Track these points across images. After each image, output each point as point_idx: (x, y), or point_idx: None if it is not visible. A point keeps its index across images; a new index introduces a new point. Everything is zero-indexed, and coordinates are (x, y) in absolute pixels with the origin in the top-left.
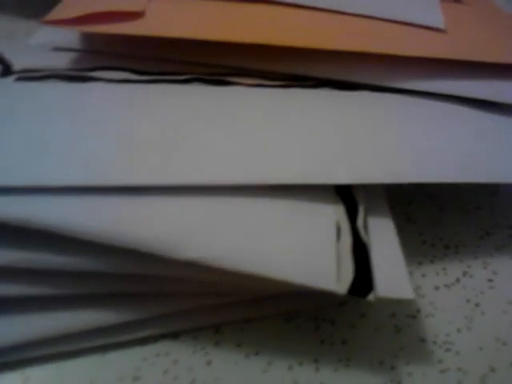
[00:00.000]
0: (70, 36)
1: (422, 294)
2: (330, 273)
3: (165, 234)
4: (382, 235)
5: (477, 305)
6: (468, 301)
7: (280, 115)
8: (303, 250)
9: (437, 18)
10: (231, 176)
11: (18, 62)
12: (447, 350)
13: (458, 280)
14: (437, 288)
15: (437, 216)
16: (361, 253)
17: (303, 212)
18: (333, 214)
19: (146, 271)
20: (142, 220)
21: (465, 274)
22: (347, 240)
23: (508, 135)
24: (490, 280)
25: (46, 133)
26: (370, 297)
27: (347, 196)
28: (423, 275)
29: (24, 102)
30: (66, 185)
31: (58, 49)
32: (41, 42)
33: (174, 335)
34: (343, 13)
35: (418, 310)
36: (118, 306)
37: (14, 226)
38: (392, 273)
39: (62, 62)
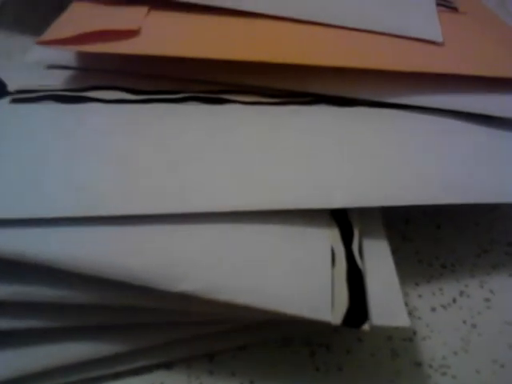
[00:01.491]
0: (65, 54)
1: (418, 316)
2: (325, 303)
3: (157, 267)
4: (378, 259)
5: (473, 326)
6: (464, 322)
7: (277, 136)
8: (297, 279)
9: (435, 31)
10: (224, 202)
11: (13, 82)
12: (443, 374)
13: (454, 300)
14: (433, 309)
15: (434, 234)
16: (356, 279)
17: (297, 238)
18: (328, 238)
19: (140, 303)
20: (135, 252)
21: (461, 293)
22: (342, 266)
23: (507, 151)
24: (487, 300)
25: (39, 160)
26: (365, 327)
27: (342, 219)
28: (419, 296)
29: (17, 126)
30: (59, 216)
31: (53, 67)
32: (37, 60)
33: (167, 365)
34: (339, 27)
35: (415, 333)
36: (111, 338)
37: (6, 259)
38: (387, 299)
39: (57, 80)
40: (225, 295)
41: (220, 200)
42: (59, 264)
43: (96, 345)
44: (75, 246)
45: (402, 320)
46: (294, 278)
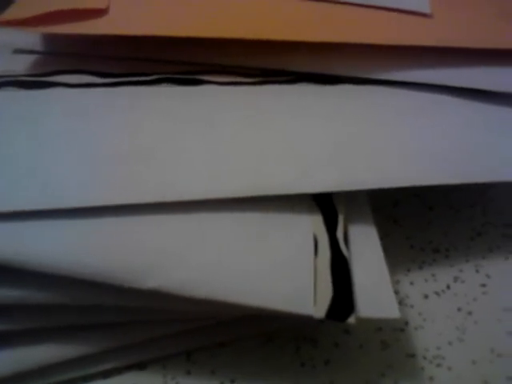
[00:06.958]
0: (29, 37)
1: (410, 304)
2: (307, 296)
3: (124, 262)
4: (365, 246)
5: (469, 313)
6: (459, 309)
7: (255, 117)
8: (277, 271)
9: (421, 2)
10: (199, 190)
11: None
12: (438, 366)
13: (448, 286)
14: (426, 296)
15: (425, 217)
16: (341, 268)
17: (276, 225)
18: (310, 225)
19: (107, 302)
20: (100, 246)
21: (456, 279)
22: (326, 254)
23: (502, 127)
24: (483, 285)
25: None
26: (351, 320)
27: (325, 203)
28: (411, 283)
29: None
30: (20, 209)
31: (17, 51)
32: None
33: (140, 365)
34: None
35: (407, 323)
36: (76, 339)
37: None
38: (375, 289)
39: (19, 65)
40: (199, 291)
41: (194, 187)
42: (16, 262)
43: (60, 347)
44: (35, 241)
45: (391, 311)
46: (273, 269)
